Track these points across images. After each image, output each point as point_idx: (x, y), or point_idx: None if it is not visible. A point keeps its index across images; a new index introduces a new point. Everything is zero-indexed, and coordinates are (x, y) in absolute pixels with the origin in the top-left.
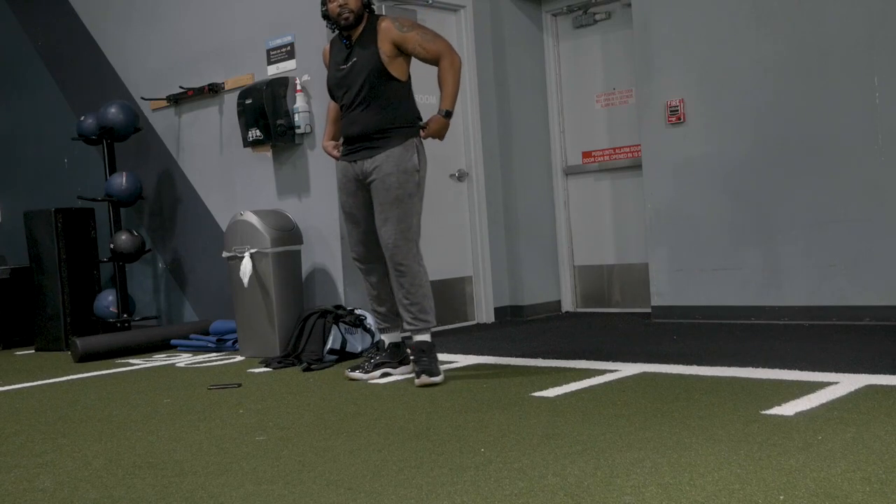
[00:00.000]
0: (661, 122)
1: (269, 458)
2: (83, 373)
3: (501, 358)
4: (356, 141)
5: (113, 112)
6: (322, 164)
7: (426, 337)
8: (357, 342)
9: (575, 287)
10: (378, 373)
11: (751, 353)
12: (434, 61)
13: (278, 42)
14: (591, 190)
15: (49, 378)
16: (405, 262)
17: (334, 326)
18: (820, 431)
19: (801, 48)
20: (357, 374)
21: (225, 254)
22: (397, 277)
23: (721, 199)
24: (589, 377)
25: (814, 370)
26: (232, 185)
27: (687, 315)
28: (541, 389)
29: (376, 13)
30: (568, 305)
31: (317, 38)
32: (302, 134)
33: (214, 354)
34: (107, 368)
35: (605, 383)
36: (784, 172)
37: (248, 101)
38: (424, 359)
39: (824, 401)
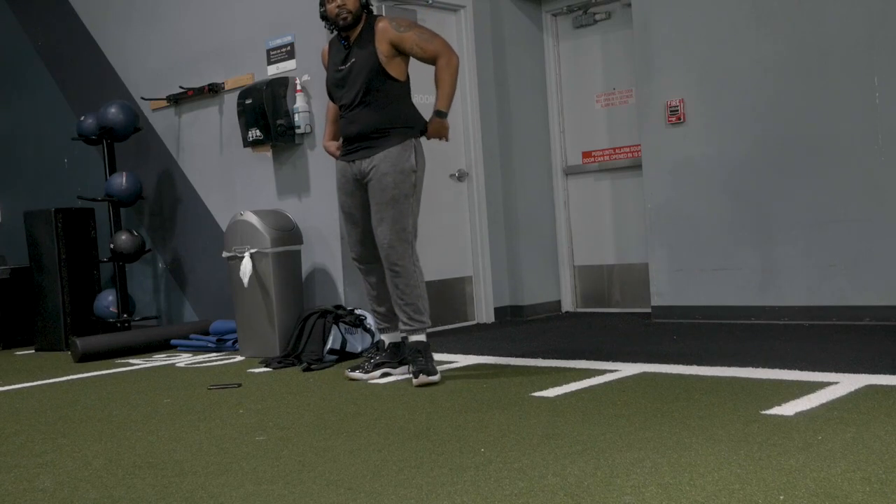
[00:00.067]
0: (661, 122)
1: (269, 458)
2: (83, 373)
3: (501, 358)
4: (354, 141)
5: (113, 112)
6: (322, 164)
7: (422, 337)
8: (357, 342)
9: (575, 287)
10: (378, 373)
11: (751, 353)
12: (431, 61)
13: (278, 42)
14: (591, 190)
15: (49, 378)
16: (400, 262)
17: (334, 326)
18: (820, 431)
19: (801, 48)
20: (357, 374)
21: (225, 254)
22: (392, 278)
23: (721, 198)
24: (589, 377)
25: (814, 370)
26: (232, 185)
27: (687, 315)
28: (541, 389)
29: (375, 13)
30: (568, 305)
31: (317, 38)
32: (302, 134)
33: (214, 354)
34: (107, 368)
35: (605, 383)
36: (784, 172)
37: (248, 101)
38: (421, 359)
39: (824, 401)
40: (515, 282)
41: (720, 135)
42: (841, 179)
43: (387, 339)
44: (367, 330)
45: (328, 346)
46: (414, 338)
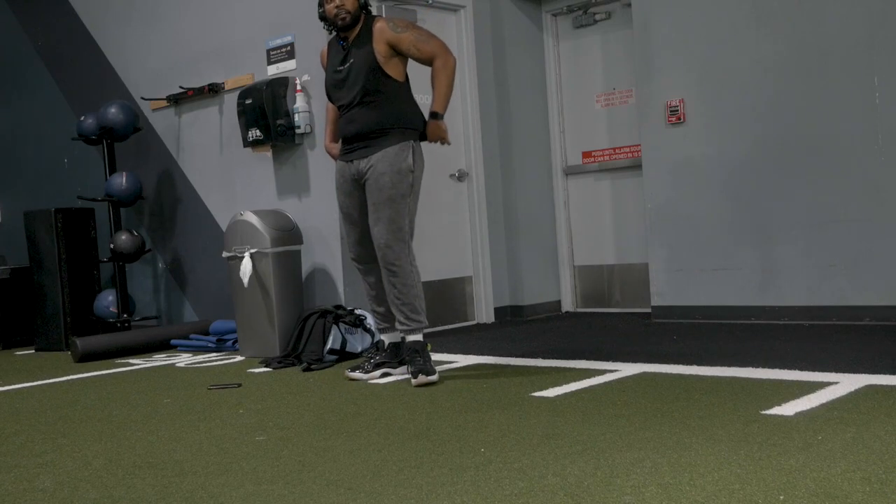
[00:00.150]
0: (661, 122)
1: (269, 458)
2: (83, 373)
3: (501, 358)
4: (353, 141)
5: (113, 112)
6: (322, 164)
7: (419, 337)
8: (357, 342)
9: (575, 287)
10: (378, 373)
11: (751, 353)
12: (428, 62)
13: (278, 42)
14: (591, 190)
15: (49, 378)
16: (397, 262)
17: (334, 326)
18: (820, 431)
19: (801, 48)
20: (357, 374)
21: (225, 254)
22: (389, 277)
23: (721, 198)
24: (589, 377)
25: (814, 370)
26: (232, 185)
27: (687, 315)
28: (541, 389)
29: (375, 14)
30: (568, 305)
31: (317, 39)
32: (302, 134)
33: (214, 354)
34: (107, 368)
35: (605, 383)
36: (784, 172)
37: (248, 101)
38: (419, 359)
39: (824, 401)
40: (515, 282)
41: (720, 135)
42: (841, 179)
43: (387, 339)
44: (367, 330)
45: (328, 346)
46: (411, 337)
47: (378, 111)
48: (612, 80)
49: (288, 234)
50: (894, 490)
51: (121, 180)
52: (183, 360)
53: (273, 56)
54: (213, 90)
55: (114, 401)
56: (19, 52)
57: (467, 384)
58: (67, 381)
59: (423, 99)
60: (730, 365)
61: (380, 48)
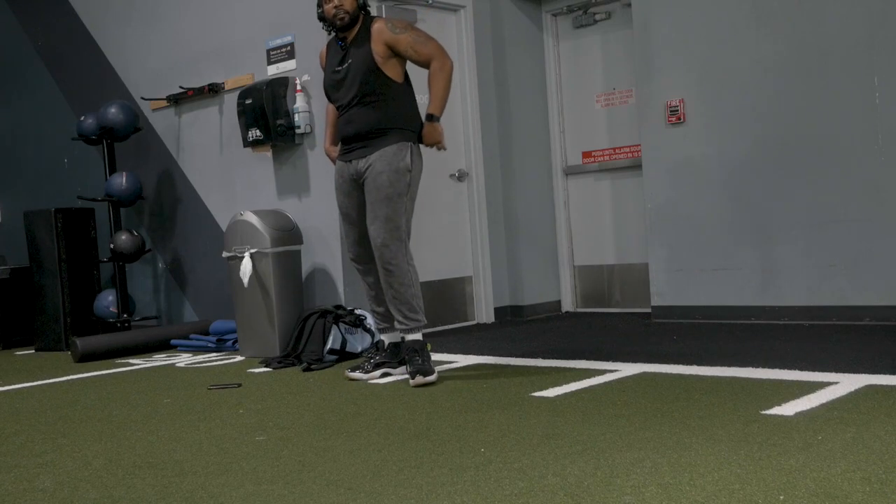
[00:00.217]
0: (661, 122)
1: (269, 458)
2: (83, 373)
3: (501, 358)
4: (352, 141)
5: (113, 112)
6: (322, 165)
7: (417, 336)
8: (357, 342)
9: (575, 287)
10: (378, 373)
11: (751, 353)
12: (425, 64)
13: (278, 42)
14: (591, 190)
15: (49, 378)
16: (393, 261)
17: (334, 326)
18: (820, 431)
19: (801, 48)
20: (357, 374)
21: (225, 254)
22: (385, 276)
23: (721, 198)
24: (589, 377)
25: (814, 370)
26: (232, 185)
27: (687, 315)
28: (541, 389)
29: (375, 14)
30: (568, 305)
31: (317, 39)
32: (302, 134)
33: (214, 354)
34: (107, 368)
35: (605, 383)
36: (784, 172)
37: (248, 101)
38: (417, 358)
39: (824, 401)
40: (515, 282)
41: (720, 135)
42: (841, 179)
43: (386, 339)
44: (367, 330)
45: (328, 346)
46: (410, 337)
47: (376, 111)
48: (612, 80)
49: (288, 234)
50: (894, 490)
51: (121, 180)
52: (183, 360)
53: (273, 56)
54: (213, 90)
55: (114, 401)
56: (19, 52)
57: (467, 384)
58: (67, 381)
59: (423, 99)
60: (730, 365)
61: (378, 48)
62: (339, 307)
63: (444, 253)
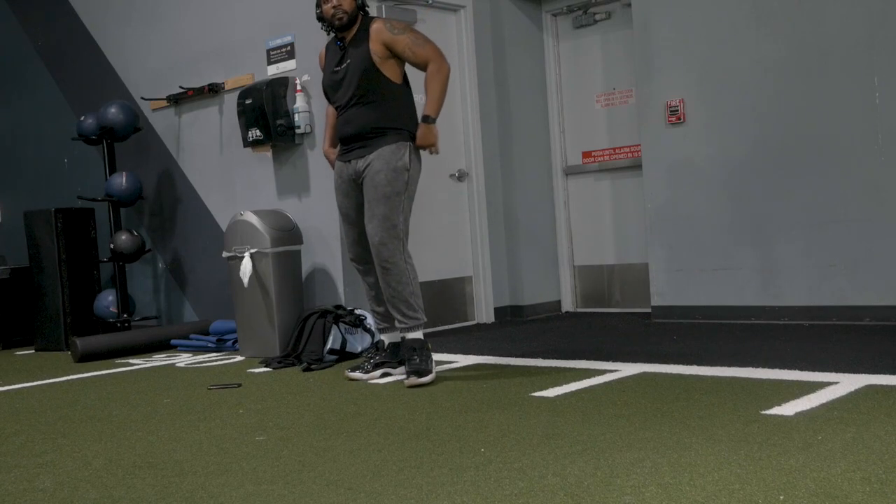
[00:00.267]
0: (661, 122)
1: (269, 458)
2: (83, 373)
3: (501, 358)
4: (350, 141)
5: (113, 112)
6: (322, 165)
7: (418, 334)
8: (357, 342)
9: (575, 287)
10: (378, 373)
11: (751, 353)
12: (422, 66)
13: (278, 42)
14: (591, 190)
15: (49, 378)
16: (391, 259)
17: (334, 326)
18: (820, 431)
19: (801, 48)
20: (357, 374)
21: (225, 254)
22: (383, 275)
23: (721, 198)
24: (589, 377)
25: (814, 370)
26: (232, 185)
27: (687, 315)
28: (541, 389)
29: (375, 14)
30: (568, 305)
31: (317, 39)
32: (302, 134)
33: (214, 354)
34: (107, 368)
35: (605, 383)
36: (784, 172)
37: (248, 101)
38: (415, 358)
39: (824, 401)
40: (515, 282)
41: (720, 135)
42: (841, 179)
43: (386, 338)
44: (367, 330)
45: (328, 346)
46: (410, 335)
47: (374, 111)
48: (612, 80)
49: (288, 234)
50: (894, 490)
51: (121, 180)
52: (183, 360)
53: (273, 56)
54: (213, 90)
55: (114, 401)
56: (19, 52)
57: (467, 384)
58: (67, 381)
59: (420, 100)
60: (730, 365)
61: (376, 48)
62: (339, 307)
63: (444, 253)
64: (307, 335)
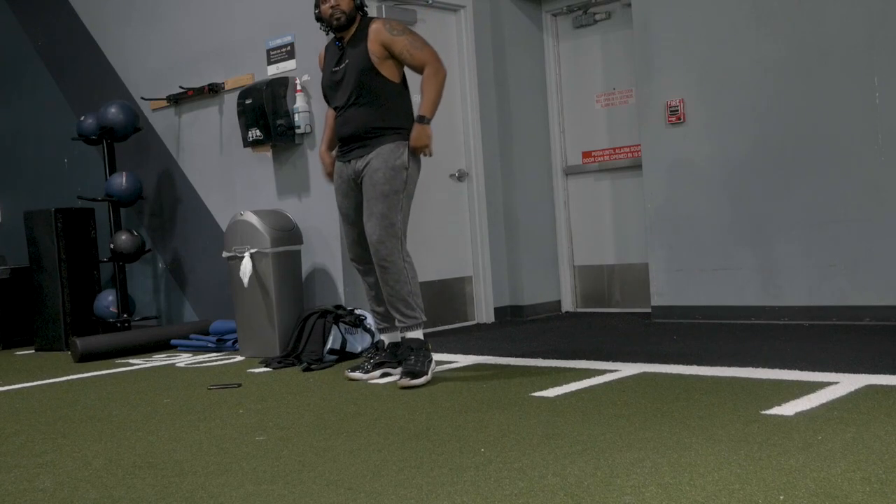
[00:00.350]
0: (661, 122)
1: (269, 458)
2: (83, 373)
3: (501, 358)
4: (350, 141)
5: (113, 112)
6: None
7: (417, 334)
8: (357, 342)
9: (575, 287)
10: (378, 373)
11: (751, 353)
12: (419, 69)
13: (278, 42)
14: (591, 190)
15: (49, 378)
16: (389, 258)
17: (334, 326)
18: (820, 431)
19: (801, 48)
20: (357, 374)
21: (225, 254)
22: (381, 274)
23: (721, 198)
24: (589, 377)
25: (814, 370)
26: (232, 185)
27: (687, 315)
28: (541, 389)
29: (376, 14)
30: (568, 305)
31: (317, 39)
32: (302, 134)
33: (214, 354)
34: (107, 368)
35: (605, 383)
36: (784, 172)
37: (248, 101)
38: (411, 358)
39: (824, 401)
40: (515, 282)
41: (720, 135)
42: (841, 179)
43: (386, 338)
44: (367, 330)
45: (328, 346)
46: (410, 335)
47: (373, 112)
48: (612, 80)
49: (288, 234)
50: (894, 490)
51: (121, 180)
52: (183, 360)
53: (273, 56)
54: (213, 90)
55: (114, 401)
56: (19, 52)
57: (467, 384)
58: (67, 381)
59: (416, 99)
60: (730, 365)
61: (374, 48)
62: (339, 307)
63: (444, 253)
64: (307, 335)
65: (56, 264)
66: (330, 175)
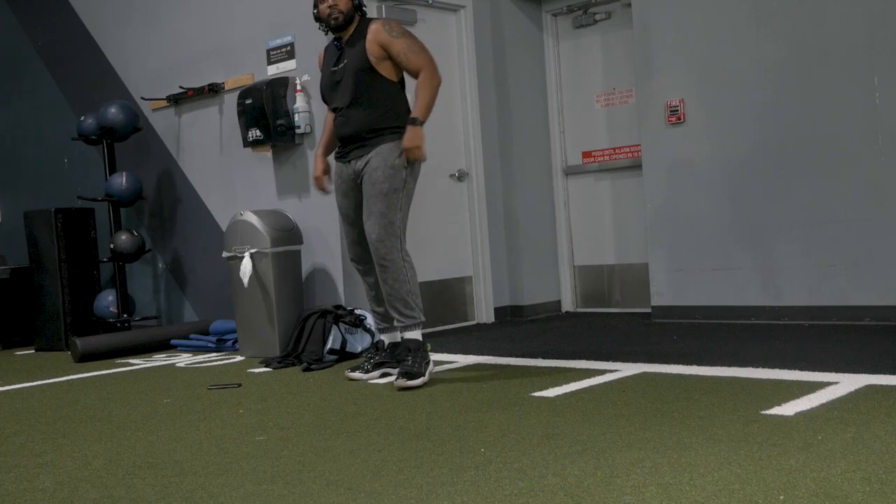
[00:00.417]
0: (661, 122)
1: (269, 458)
2: (83, 373)
3: (501, 358)
4: (349, 141)
5: (113, 112)
6: None
7: (415, 334)
8: (357, 342)
9: (575, 287)
10: (378, 373)
11: (751, 353)
12: (414, 73)
13: (278, 42)
14: (591, 190)
15: (49, 378)
16: (388, 256)
17: (334, 326)
18: (820, 431)
19: (801, 48)
20: (357, 374)
21: (225, 254)
22: (381, 273)
23: (721, 198)
24: (589, 377)
25: (814, 370)
26: (232, 185)
27: (687, 315)
28: (541, 389)
29: (375, 14)
30: (568, 305)
31: (316, 39)
32: (302, 134)
33: (214, 354)
34: (107, 368)
35: (605, 383)
36: (784, 172)
37: (248, 101)
38: (409, 359)
39: (824, 401)
40: (515, 282)
41: (720, 135)
42: (841, 179)
43: (386, 338)
44: (367, 330)
45: (328, 346)
46: (408, 335)
47: (372, 111)
48: (612, 80)
49: (288, 234)
50: (894, 490)
51: (121, 180)
52: (183, 360)
53: (273, 56)
54: (213, 90)
55: (114, 401)
56: (19, 52)
57: (467, 384)
58: (67, 381)
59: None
60: (730, 365)
61: (372, 48)
62: (339, 307)
63: (444, 253)
64: (307, 335)
65: (56, 264)
66: (318, 180)
